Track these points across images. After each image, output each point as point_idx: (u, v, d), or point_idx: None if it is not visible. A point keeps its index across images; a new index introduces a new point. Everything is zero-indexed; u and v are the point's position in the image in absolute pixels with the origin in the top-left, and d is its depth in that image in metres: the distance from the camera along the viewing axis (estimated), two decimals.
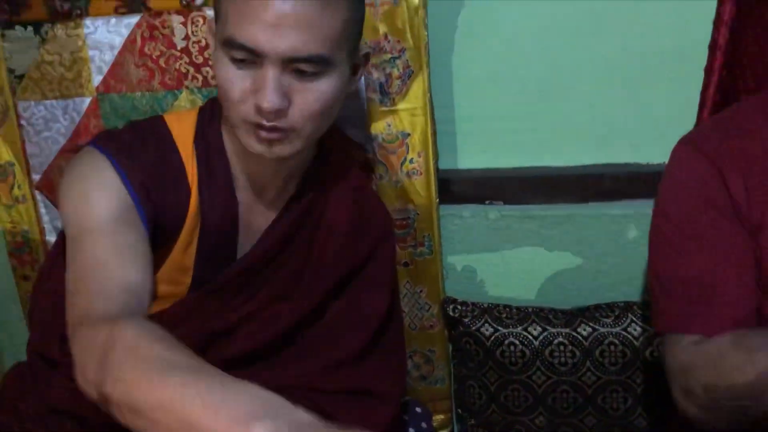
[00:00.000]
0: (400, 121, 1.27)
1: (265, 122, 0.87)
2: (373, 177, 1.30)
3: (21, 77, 1.41)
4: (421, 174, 1.29)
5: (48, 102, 1.41)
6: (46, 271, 1.09)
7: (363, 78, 1.25)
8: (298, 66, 0.85)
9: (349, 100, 1.27)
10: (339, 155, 1.11)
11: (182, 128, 1.01)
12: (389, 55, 1.24)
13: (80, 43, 1.36)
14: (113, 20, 1.33)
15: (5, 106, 1.43)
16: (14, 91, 1.42)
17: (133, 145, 0.96)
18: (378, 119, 1.28)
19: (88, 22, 1.34)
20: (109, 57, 1.35)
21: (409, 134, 1.27)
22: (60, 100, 1.40)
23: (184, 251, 0.99)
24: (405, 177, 1.30)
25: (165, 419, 0.65)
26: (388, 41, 1.24)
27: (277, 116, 0.86)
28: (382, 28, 1.23)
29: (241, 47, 0.84)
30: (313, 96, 0.87)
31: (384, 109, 1.27)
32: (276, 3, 0.82)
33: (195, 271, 1.00)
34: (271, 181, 1.01)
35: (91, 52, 1.36)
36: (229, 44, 0.85)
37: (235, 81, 0.87)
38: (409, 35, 1.23)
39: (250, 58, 0.85)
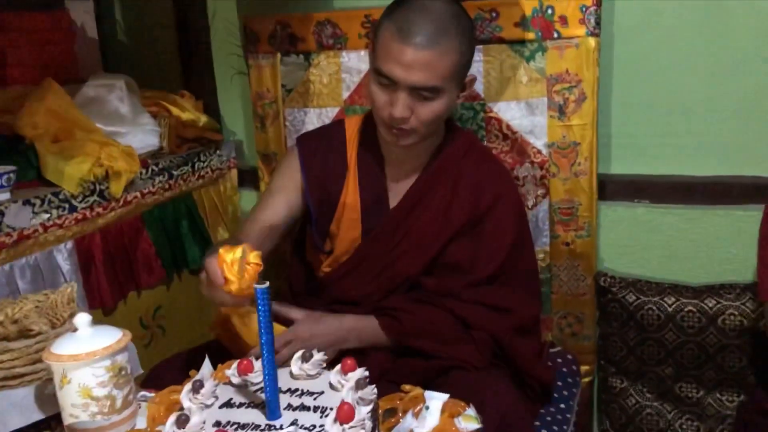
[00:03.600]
0: (572, 133, 1.69)
1: (394, 124, 1.33)
2: (492, 153, 1.67)
3: (290, 91, 1.95)
4: (586, 174, 1.70)
5: (307, 110, 1.95)
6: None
7: (546, 99, 1.69)
8: (419, 92, 1.30)
9: (534, 117, 1.72)
10: (461, 140, 1.50)
11: (353, 124, 1.55)
12: (568, 85, 1.67)
13: (337, 68, 1.88)
14: (363, 53, 1.84)
15: (277, 111, 1.98)
16: (284, 101, 1.96)
17: (315, 138, 1.57)
18: (556, 131, 1.70)
19: (344, 53, 1.86)
20: (356, 78, 1.87)
21: (579, 143, 1.69)
22: (316, 108, 1.93)
23: (353, 208, 1.49)
24: (573, 176, 1.71)
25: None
26: (569, 74, 1.66)
27: (402, 122, 1.32)
28: (565, 65, 1.66)
29: (384, 76, 1.31)
30: (427, 110, 1.32)
31: (561, 123, 1.70)
32: (409, 51, 1.27)
33: (362, 221, 1.49)
34: (405, 157, 1.46)
35: (343, 75, 1.88)
36: (376, 72, 1.33)
37: (379, 95, 1.34)
38: (584, 70, 1.65)
39: (389, 83, 1.31)
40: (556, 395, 1.59)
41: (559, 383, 1.63)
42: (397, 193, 1.49)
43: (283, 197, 1.53)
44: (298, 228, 1.67)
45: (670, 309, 1.65)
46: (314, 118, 1.93)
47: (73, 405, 0.99)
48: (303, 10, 1.90)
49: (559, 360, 1.74)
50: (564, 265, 1.78)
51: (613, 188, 1.76)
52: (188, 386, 0.93)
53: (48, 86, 1.73)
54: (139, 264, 1.80)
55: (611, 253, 1.79)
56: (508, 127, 1.75)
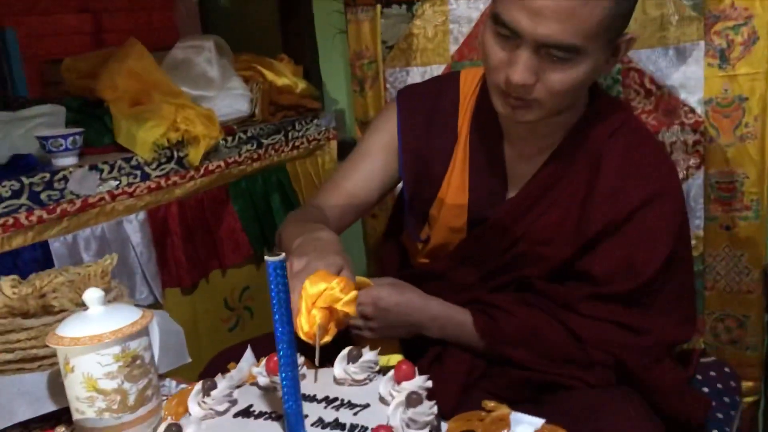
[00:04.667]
0: (738, 86, 1.32)
1: (512, 92, 0.99)
2: (654, 135, 1.28)
3: (391, 48, 1.71)
4: (755, 138, 1.33)
5: (410, 69, 1.70)
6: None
7: (703, 44, 1.33)
8: (550, 51, 0.94)
9: (686, 66, 1.37)
10: (610, 114, 1.12)
11: (470, 80, 1.21)
12: (734, 23, 1.30)
13: (443, 18, 1.62)
14: None
15: (376, 72, 1.75)
16: (384, 60, 1.73)
17: (421, 93, 1.24)
18: (715, 83, 1.34)
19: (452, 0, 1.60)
20: (466, 29, 1.59)
21: (746, 98, 1.32)
22: (420, 67, 1.68)
23: (459, 190, 1.17)
24: (738, 141, 1.34)
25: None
26: (735, 9, 1.30)
27: (522, 90, 0.98)
28: None
29: (504, 25, 0.95)
30: (559, 77, 0.96)
31: (723, 73, 1.33)
32: None
33: (470, 210, 1.17)
34: (531, 134, 1.11)
35: (451, 26, 1.61)
36: (495, 19, 0.97)
37: (495, 50, 0.99)
38: (756, 2, 1.28)
39: (510, 35, 0.95)
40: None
41: (712, 402, 1.28)
42: (518, 178, 1.16)
43: (373, 164, 1.25)
44: (395, 201, 1.42)
45: None
46: (417, 79, 1.68)
47: (78, 398, 0.81)
48: None
49: (713, 373, 1.38)
50: (722, 255, 1.41)
51: None
52: (197, 387, 0.73)
53: (131, 47, 1.62)
54: (224, 240, 1.65)
55: None
56: (652, 80, 1.40)
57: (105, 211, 1.38)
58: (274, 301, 0.62)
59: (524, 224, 1.14)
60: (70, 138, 1.34)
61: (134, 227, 1.44)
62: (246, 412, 0.71)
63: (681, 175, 1.40)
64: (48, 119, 1.43)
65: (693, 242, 1.41)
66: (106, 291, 1.01)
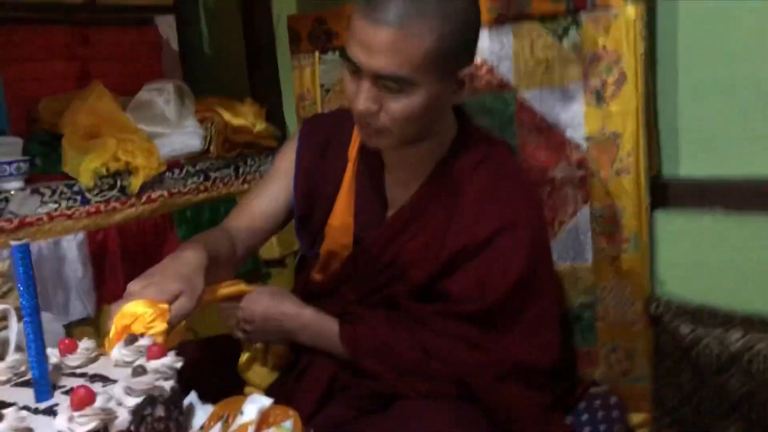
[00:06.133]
0: (613, 123, 1.39)
1: (361, 119, 1.11)
2: (520, 169, 1.33)
3: (328, 91, 1.85)
4: (629, 172, 1.38)
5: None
6: None
7: (582, 83, 1.41)
8: (385, 82, 1.06)
9: (571, 105, 1.45)
10: (476, 147, 1.22)
11: None
12: (606, 64, 1.38)
13: None
14: None
15: (316, 113, 1.89)
16: (322, 102, 1.87)
17: (322, 121, 1.40)
18: (594, 121, 1.41)
19: None
20: None
21: (620, 134, 1.38)
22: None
23: (346, 211, 1.28)
24: (615, 175, 1.40)
25: None
26: (606, 51, 1.38)
27: (368, 117, 1.09)
28: (602, 41, 1.38)
29: (348, 60, 1.09)
30: (397, 106, 1.08)
31: (599, 112, 1.40)
32: (370, 30, 1.04)
33: (355, 230, 1.27)
34: (402, 163, 1.22)
35: None
36: (344, 55, 1.11)
37: (348, 83, 1.12)
38: (624, 45, 1.35)
39: (355, 69, 1.08)
40: None
41: (576, 429, 1.31)
42: (396, 203, 1.26)
43: (277, 186, 1.37)
44: None
45: (732, 348, 1.26)
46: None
47: None
48: (342, 3, 1.81)
49: (598, 402, 1.41)
50: (610, 287, 1.45)
51: (677, 193, 1.42)
52: None
53: (93, 88, 1.81)
54: None
55: (673, 274, 1.43)
56: (543, 118, 1.48)
57: (43, 230, 1.55)
58: (20, 281, 0.75)
59: (395, 247, 1.24)
60: (15, 165, 1.53)
61: (71, 246, 1.60)
62: (24, 383, 0.84)
63: (571, 209, 1.47)
64: (5, 149, 1.63)
65: (585, 274, 1.47)
66: None
